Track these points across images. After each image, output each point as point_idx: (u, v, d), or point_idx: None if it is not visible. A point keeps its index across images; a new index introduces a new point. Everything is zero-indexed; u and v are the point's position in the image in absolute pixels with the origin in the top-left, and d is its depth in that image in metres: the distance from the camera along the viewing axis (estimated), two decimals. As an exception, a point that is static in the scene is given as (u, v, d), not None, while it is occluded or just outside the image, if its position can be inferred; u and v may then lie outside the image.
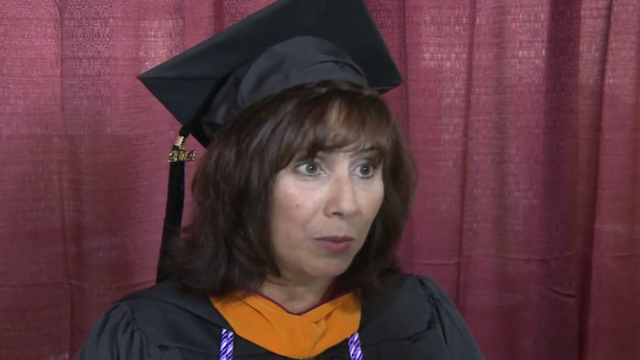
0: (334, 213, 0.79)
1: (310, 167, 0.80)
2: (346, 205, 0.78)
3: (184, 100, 0.92)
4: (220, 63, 0.88)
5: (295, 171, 0.80)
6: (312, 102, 0.80)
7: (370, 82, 0.89)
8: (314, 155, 0.79)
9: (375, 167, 0.83)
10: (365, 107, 0.81)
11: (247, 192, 0.81)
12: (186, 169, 0.97)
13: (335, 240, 0.80)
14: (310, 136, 0.78)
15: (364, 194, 0.82)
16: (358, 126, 0.80)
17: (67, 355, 1.51)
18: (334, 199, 0.79)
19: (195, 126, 0.94)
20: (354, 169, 0.82)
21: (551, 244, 1.67)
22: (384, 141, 0.82)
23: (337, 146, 0.79)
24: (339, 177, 0.80)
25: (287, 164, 0.79)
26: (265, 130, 0.80)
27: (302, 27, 0.87)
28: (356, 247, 0.84)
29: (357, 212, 0.80)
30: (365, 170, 0.82)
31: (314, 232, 0.80)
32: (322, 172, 0.80)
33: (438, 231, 1.64)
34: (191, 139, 0.97)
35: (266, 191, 0.80)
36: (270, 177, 0.80)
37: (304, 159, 0.79)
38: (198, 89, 0.90)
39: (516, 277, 1.69)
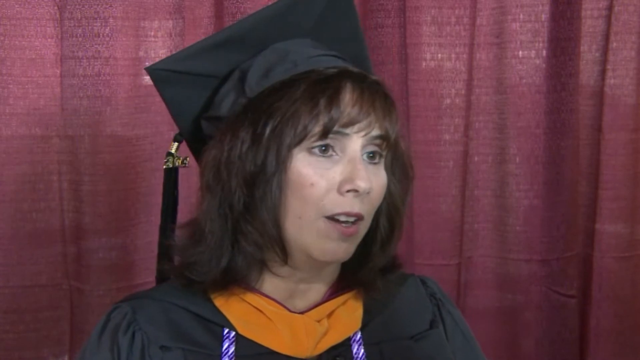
0: (348, 191, 0.81)
1: (323, 147, 0.82)
2: (362, 183, 0.81)
3: (186, 98, 0.93)
4: (223, 60, 0.90)
5: (309, 151, 0.82)
6: (324, 81, 0.83)
7: None
8: (328, 134, 0.82)
9: (381, 155, 0.86)
10: (374, 89, 0.85)
11: (263, 172, 0.82)
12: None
13: (349, 215, 0.82)
14: (325, 115, 0.81)
15: (374, 178, 0.84)
16: (368, 106, 0.83)
17: (66, 357, 1.50)
18: (349, 178, 0.81)
19: (191, 129, 0.95)
20: (362, 154, 0.84)
21: (552, 244, 1.67)
22: (391, 128, 0.85)
23: (350, 124, 0.82)
24: (352, 157, 0.83)
25: (301, 142, 0.81)
26: (280, 111, 0.82)
27: (301, 29, 0.90)
28: (362, 231, 0.86)
29: (370, 191, 0.82)
30: (372, 156, 0.85)
31: (326, 210, 0.82)
32: (334, 153, 0.83)
33: (439, 231, 1.63)
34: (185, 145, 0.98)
35: (282, 171, 0.82)
36: (287, 157, 0.82)
37: (318, 139, 0.82)
38: (201, 87, 0.91)
39: (517, 277, 1.69)
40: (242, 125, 0.84)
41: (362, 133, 0.83)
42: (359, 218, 0.83)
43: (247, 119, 0.84)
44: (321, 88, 0.82)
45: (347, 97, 0.83)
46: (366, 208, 0.84)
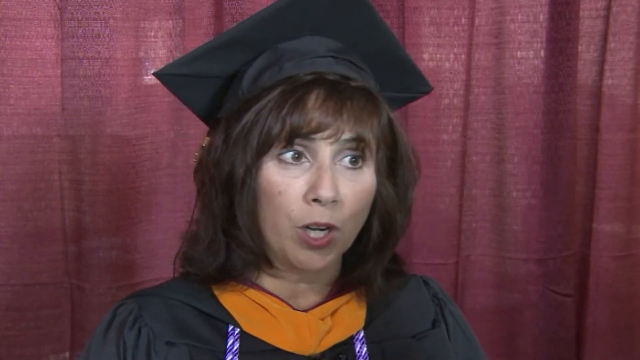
0: (314, 200, 0.80)
1: (296, 155, 0.81)
2: (323, 192, 0.79)
3: (201, 98, 0.93)
4: (229, 60, 0.90)
5: (279, 159, 0.82)
6: (295, 89, 0.82)
7: (393, 88, 0.91)
8: (292, 141, 0.81)
9: (363, 159, 0.84)
10: (346, 95, 0.82)
11: (234, 178, 0.82)
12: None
13: (317, 225, 0.81)
14: (287, 122, 0.80)
15: (349, 184, 0.82)
16: (335, 112, 0.81)
17: (67, 355, 1.51)
18: (312, 186, 0.80)
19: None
20: (341, 159, 0.83)
21: (549, 243, 1.68)
22: (365, 132, 0.82)
23: (313, 132, 0.80)
24: (320, 165, 0.81)
25: (268, 150, 0.81)
26: (249, 116, 0.82)
27: (310, 27, 0.88)
28: (342, 238, 0.84)
29: (335, 199, 0.80)
30: (353, 161, 0.83)
31: (297, 221, 0.81)
32: (306, 160, 0.82)
33: (437, 231, 1.64)
34: (194, 142, 0.98)
35: (250, 177, 0.82)
36: (253, 163, 0.81)
37: (285, 147, 0.81)
38: (211, 87, 0.92)
39: (514, 276, 1.70)
40: (218, 130, 0.85)
41: (331, 140, 0.81)
42: (330, 228, 0.82)
43: (222, 124, 0.85)
44: (289, 95, 0.81)
45: (312, 102, 0.81)
46: (339, 217, 0.82)
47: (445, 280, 1.63)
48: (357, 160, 0.83)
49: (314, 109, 0.81)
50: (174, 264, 0.98)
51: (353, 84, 0.84)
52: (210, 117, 0.94)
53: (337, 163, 0.82)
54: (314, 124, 0.80)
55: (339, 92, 0.82)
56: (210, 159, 0.85)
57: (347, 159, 0.83)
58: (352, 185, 0.83)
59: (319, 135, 0.81)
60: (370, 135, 0.83)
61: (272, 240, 0.84)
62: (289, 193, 0.81)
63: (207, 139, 0.94)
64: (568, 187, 1.66)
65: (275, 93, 0.82)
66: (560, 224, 1.67)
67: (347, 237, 0.85)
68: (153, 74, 0.93)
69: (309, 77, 0.83)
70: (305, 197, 0.81)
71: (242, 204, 0.83)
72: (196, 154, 0.95)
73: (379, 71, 0.91)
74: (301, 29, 0.88)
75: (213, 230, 0.86)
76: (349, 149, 0.82)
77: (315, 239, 0.82)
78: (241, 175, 0.82)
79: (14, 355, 1.48)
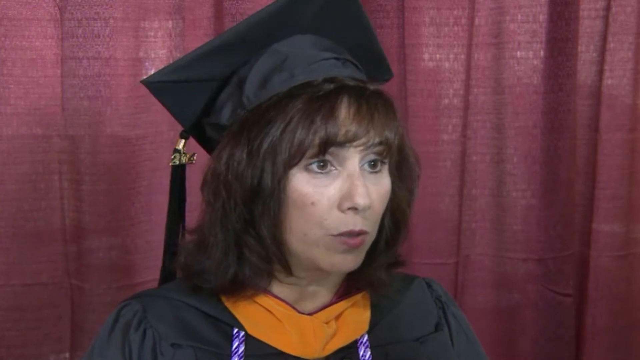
0: (349, 208, 0.81)
1: (321, 163, 0.81)
2: (360, 200, 0.80)
3: (187, 103, 0.92)
4: (222, 64, 0.89)
5: (307, 169, 0.81)
6: (320, 98, 0.81)
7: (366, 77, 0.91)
8: (325, 151, 0.81)
9: (382, 162, 0.85)
10: (373, 102, 0.83)
11: (260, 191, 0.82)
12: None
13: (352, 234, 0.82)
14: (321, 133, 0.80)
15: (375, 188, 0.84)
16: (368, 121, 0.82)
17: (67, 355, 1.51)
18: (347, 195, 0.81)
19: (196, 128, 0.95)
20: (362, 165, 0.83)
21: (549, 243, 1.68)
22: (391, 135, 0.84)
23: (349, 141, 0.81)
24: (350, 173, 0.82)
25: (299, 161, 0.81)
26: (276, 129, 0.81)
27: (300, 25, 0.89)
28: (369, 240, 0.86)
29: (370, 206, 0.81)
30: (373, 165, 0.84)
31: (331, 229, 0.82)
32: (332, 168, 0.82)
33: (436, 230, 1.64)
34: (191, 141, 0.98)
35: (279, 189, 0.81)
36: (283, 175, 0.81)
37: (315, 156, 0.81)
38: (200, 91, 0.91)
39: (514, 276, 1.70)
40: (239, 142, 0.83)
41: (361, 147, 0.82)
42: (362, 233, 0.83)
43: (244, 136, 0.83)
44: (317, 106, 0.81)
45: (344, 113, 0.81)
46: (369, 222, 0.83)
47: (445, 280, 1.63)
48: (376, 164, 0.84)
49: (347, 120, 0.81)
50: (161, 273, 0.98)
51: (372, 87, 0.85)
52: (196, 122, 0.94)
53: (361, 168, 0.83)
54: (349, 134, 0.81)
55: (366, 101, 0.83)
56: (232, 173, 0.83)
57: (367, 164, 0.84)
58: (377, 189, 0.84)
59: (352, 143, 0.81)
60: (395, 138, 0.84)
61: (298, 250, 0.84)
62: (322, 203, 0.81)
63: (181, 141, 0.96)
64: (567, 187, 1.66)
65: (300, 103, 0.81)
66: (559, 224, 1.67)
67: (371, 240, 0.87)
68: (141, 81, 0.92)
69: (331, 86, 0.83)
70: (340, 206, 0.81)
71: (267, 216, 0.82)
72: (174, 159, 0.96)
73: (358, 62, 0.92)
74: (292, 28, 0.88)
75: (225, 244, 0.85)
76: (374, 153, 0.83)
77: (351, 239, 0.82)
78: (270, 188, 0.81)
79: (14, 355, 1.48)
